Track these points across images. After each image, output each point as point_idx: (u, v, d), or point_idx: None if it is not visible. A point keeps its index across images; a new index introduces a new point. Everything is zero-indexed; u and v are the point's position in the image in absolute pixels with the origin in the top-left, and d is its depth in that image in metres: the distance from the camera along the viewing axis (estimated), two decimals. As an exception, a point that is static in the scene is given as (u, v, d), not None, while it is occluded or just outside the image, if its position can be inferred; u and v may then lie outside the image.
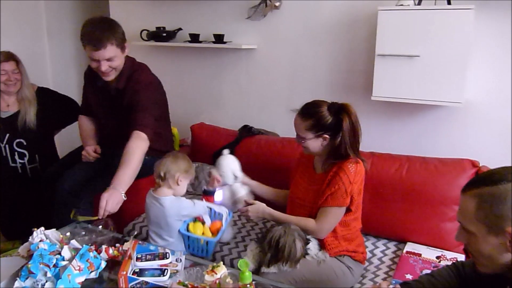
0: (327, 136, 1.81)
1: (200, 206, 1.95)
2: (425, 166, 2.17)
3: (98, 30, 2.13)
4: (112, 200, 1.89)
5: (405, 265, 1.96)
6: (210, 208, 2.00)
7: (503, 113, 2.24)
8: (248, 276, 1.21)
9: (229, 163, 2.10)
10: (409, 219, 2.16)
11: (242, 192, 2.08)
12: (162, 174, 1.85)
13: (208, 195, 2.07)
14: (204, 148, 2.78)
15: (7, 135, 2.71)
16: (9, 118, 2.72)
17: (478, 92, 2.27)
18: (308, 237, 1.83)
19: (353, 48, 2.56)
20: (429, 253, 2.05)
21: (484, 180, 1.09)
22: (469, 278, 1.34)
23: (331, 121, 1.79)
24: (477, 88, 2.27)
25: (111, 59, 2.19)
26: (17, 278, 1.41)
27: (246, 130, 2.78)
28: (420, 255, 2.04)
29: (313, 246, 1.83)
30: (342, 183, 1.79)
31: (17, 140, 2.74)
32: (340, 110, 1.80)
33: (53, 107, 2.83)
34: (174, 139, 2.92)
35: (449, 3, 2.12)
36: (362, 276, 1.97)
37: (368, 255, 2.11)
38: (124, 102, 2.29)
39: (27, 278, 1.40)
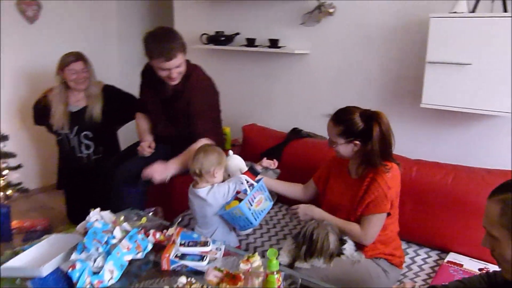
0: (357, 142, 1.84)
1: (232, 183, 1.99)
2: (472, 176, 2.12)
3: (166, 42, 2.29)
4: (162, 168, 2.24)
5: (444, 274, 1.93)
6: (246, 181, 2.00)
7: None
8: (275, 264, 1.28)
9: (237, 163, 2.18)
10: (453, 229, 2.12)
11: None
12: (197, 171, 1.96)
13: (252, 173, 2.08)
14: (254, 148, 2.88)
15: (76, 127, 2.97)
16: (78, 112, 2.98)
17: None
18: (344, 237, 1.87)
19: (403, 55, 2.56)
20: (472, 265, 2.01)
21: (509, 187, 1.10)
22: (500, 286, 1.33)
23: (362, 128, 1.82)
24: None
25: (179, 66, 2.36)
26: (74, 251, 1.58)
27: (295, 133, 2.85)
28: (461, 265, 2.00)
29: (348, 246, 1.86)
30: (381, 189, 1.81)
31: (84, 133, 2.99)
32: (371, 118, 1.82)
33: (117, 104, 3.06)
34: (225, 138, 3.06)
35: (505, 10, 2.08)
36: (399, 281, 1.97)
37: (409, 261, 2.11)
38: (180, 104, 2.46)
39: (82, 252, 1.56)
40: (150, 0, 4.57)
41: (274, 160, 2.19)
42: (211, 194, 1.96)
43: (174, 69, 2.34)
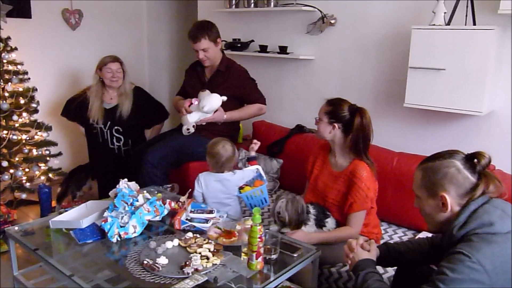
0: (336, 126, 2.16)
1: (248, 171, 2.40)
2: (443, 166, 2.45)
3: (196, 29, 3.01)
4: (220, 111, 2.99)
5: (414, 248, 2.26)
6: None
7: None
8: (258, 218, 1.64)
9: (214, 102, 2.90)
10: (426, 211, 2.45)
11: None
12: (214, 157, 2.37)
13: (251, 160, 2.50)
14: (262, 141, 3.21)
15: (109, 122, 3.41)
16: (111, 109, 3.41)
17: (504, 103, 2.50)
18: (327, 213, 2.23)
19: (391, 61, 2.90)
20: (439, 241, 2.33)
21: (429, 158, 1.45)
22: (437, 244, 1.67)
23: (347, 117, 2.13)
24: (504, 99, 2.50)
25: (205, 50, 3.00)
26: (106, 211, 2.00)
27: (298, 128, 3.22)
28: (430, 241, 2.33)
29: (331, 220, 2.22)
30: (362, 191, 2.11)
31: (116, 127, 3.42)
32: (356, 111, 2.14)
33: (144, 106, 3.47)
34: (239, 132, 3.46)
35: (474, 23, 2.41)
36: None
37: (387, 238, 2.45)
38: (223, 83, 3.09)
39: (112, 211, 1.98)
40: (177, 0, 4.99)
41: (254, 140, 2.61)
42: (234, 177, 2.37)
43: (200, 51, 2.99)
